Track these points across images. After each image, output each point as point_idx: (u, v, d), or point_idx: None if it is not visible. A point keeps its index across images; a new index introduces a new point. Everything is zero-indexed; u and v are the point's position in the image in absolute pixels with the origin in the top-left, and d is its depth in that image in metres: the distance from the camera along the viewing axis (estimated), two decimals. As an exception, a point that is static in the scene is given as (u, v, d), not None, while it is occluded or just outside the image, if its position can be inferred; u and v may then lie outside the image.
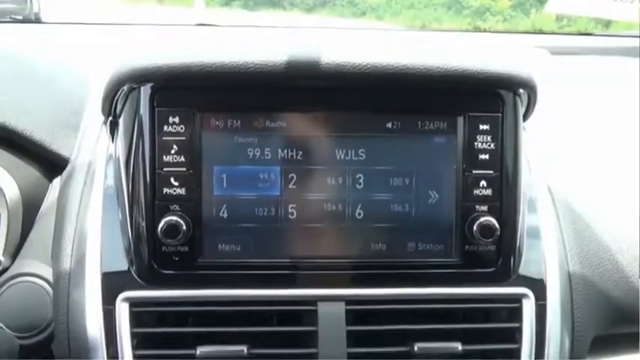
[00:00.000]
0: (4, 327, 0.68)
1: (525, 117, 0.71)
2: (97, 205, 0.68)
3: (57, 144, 0.79)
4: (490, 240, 0.63)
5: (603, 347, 0.79)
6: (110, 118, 0.71)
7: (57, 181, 0.80)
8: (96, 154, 0.73)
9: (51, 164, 0.80)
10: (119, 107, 0.67)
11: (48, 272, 0.71)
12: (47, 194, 0.79)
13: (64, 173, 0.79)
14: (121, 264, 0.64)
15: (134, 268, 0.63)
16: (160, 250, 0.62)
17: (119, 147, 0.66)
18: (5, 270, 0.73)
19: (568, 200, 0.78)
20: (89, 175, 0.72)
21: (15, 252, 0.75)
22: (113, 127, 0.71)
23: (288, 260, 0.64)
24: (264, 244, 0.64)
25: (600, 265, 0.74)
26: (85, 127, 0.81)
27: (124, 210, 0.64)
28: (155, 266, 0.62)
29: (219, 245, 0.64)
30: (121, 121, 0.66)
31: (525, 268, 0.67)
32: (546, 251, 0.69)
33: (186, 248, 0.62)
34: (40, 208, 0.78)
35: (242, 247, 0.64)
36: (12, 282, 0.71)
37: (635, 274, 0.76)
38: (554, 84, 0.96)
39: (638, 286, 0.75)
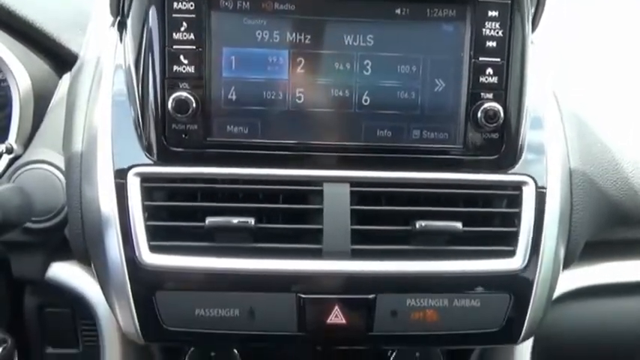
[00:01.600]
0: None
1: (535, 21, 0.71)
2: (107, 91, 0.68)
3: (66, 39, 0.80)
4: (494, 126, 0.64)
5: (592, 254, 0.82)
6: (119, 18, 0.71)
7: (66, 77, 0.81)
8: (104, 48, 0.74)
9: (61, 59, 0.81)
10: (127, 4, 0.66)
11: (60, 160, 0.73)
12: (57, 88, 0.80)
13: (74, 68, 0.79)
14: (132, 142, 0.65)
15: (145, 145, 0.64)
16: (170, 127, 0.63)
17: (129, 27, 0.66)
18: (18, 157, 0.75)
19: (573, 106, 0.78)
20: (98, 68, 0.73)
21: (27, 141, 0.77)
22: (122, 27, 0.70)
23: (294, 142, 0.65)
24: (272, 127, 0.65)
25: (601, 164, 0.76)
26: (93, 25, 0.82)
27: (134, 90, 0.65)
28: (165, 143, 0.64)
29: (228, 126, 0.65)
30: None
31: (527, 158, 0.68)
32: (548, 144, 0.70)
33: (195, 127, 0.64)
34: (50, 101, 0.79)
35: (250, 128, 0.65)
36: (25, 168, 0.73)
37: (635, 175, 0.77)
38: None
39: (636, 187, 0.76)
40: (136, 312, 0.62)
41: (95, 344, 0.81)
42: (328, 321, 0.63)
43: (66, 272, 0.78)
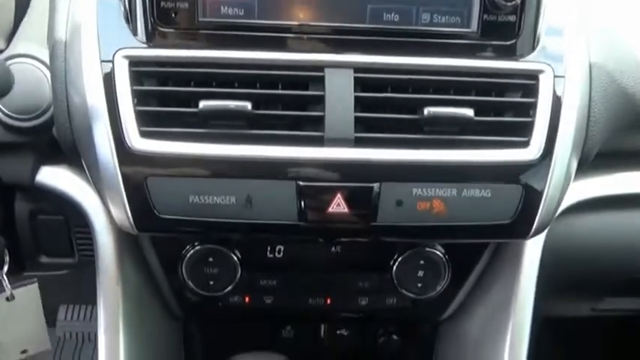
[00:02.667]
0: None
1: None
2: None
3: None
4: (512, 4, 0.59)
5: (602, 165, 0.78)
6: None
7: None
8: None
9: None
10: None
11: (45, 54, 0.68)
12: None
13: None
14: (119, 25, 0.60)
15: (132, 25, 0.59)
16: (159, 5, 0.58)
17: None
18: (0, 52, 0.71)
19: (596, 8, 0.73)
20: None
21: (9, 35, 0.72)
22: None
23: (294, 23, 0.60)
24: (269, 7, 0.60)
25: (623, 62, 0.71)
26: None
27: None
28: (154, 22, 0.59)
29: (222, 7, 0.60)
30: None
31: (545, 45, 0.63)
32: (569, 33, 0.64)
33: (187, 5, 0.59)
34: None
35: (245, 9, 0.60)
36: (8, 63, 0.68)
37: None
38: None
39: None
40: (128, 200, 0.59)
41: (91, 254, 0.79)
42: (329, 210, 0.59)
43: (57, 176, 0.74)
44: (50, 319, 1.77)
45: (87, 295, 0.81)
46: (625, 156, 0.81)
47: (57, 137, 0.67)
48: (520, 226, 0.63)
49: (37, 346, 0.81)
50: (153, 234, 0.70)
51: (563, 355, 1.73)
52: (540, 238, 0.78)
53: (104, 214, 0.73)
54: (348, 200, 0.59)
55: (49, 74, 0.67)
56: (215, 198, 0.59)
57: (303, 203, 0.59)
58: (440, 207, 0.60)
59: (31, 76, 0.69)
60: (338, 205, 0.59)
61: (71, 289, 0.98)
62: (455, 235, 0.64)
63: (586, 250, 0.85)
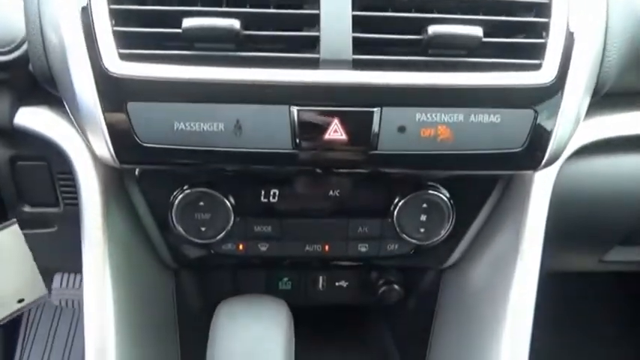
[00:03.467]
0: None
1: None
2: None
3: None
4: None
5: (613, 105, 0.74)
6: None
7: None
8: None
9: None
10: None
11: None
12: None
13: None
14: None
15: None
16: None
17: None
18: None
19: None
20: None
21: None
22: None
23: None
24: None
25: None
26: None
27: None
28: None
29: None
30: None
31: None
32: None
33: None
34: None
35: None
36: None
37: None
38: None
39: None
40: (108, 128, 0.55)
41: (76, 203, 0.75)
42: (326, 137, 0.55)
43: (36, 118, 0.70)
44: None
45: (77, 257, 0.77)
46: (634, 96, 0.76)
47: (32, 69, 0.62)
48: (531, 156, 0.59)
49: (33, 293, 0.78)
50: (136, 166, 0.65)
51: (568, 311, 1.72)
52: (548, 183, 0.74)
53: (88, 158, 0.69)
54: (346, 126, 0.55)
55: (21, 3, 0.62)
56: (202, 125, 0.54)
57: (297, 130, 0.54)
58: (445, 134, 0.56)
59: (3, 9, 0.64)
60: (335, 132, 0.55)
61: (59, 249, 0.94)
62: (461, 166, 0.59)
63: (594, 196, 0.82)
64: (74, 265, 0.80)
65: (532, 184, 0.74)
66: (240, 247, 0.75)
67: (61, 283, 1.71)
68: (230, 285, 0.86)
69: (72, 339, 1.73)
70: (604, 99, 0.73)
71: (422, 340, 0.83)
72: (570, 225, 0.84)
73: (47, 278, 1.77)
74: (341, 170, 0.63)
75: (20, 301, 0.77)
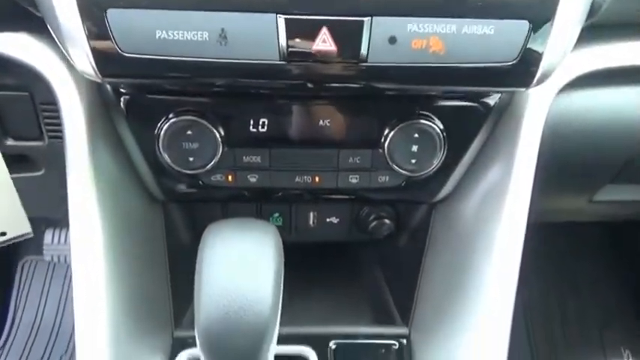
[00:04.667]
0: None
1: None
2: None
3: None
4: None
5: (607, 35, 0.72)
6: None
7: None
8: None
9: None
10: None
11: None
12: None
13: None
14: None
15: None
16: None
17: None
18: None
19: None
20: None
21: None
22: None
23: None
24: None
25: None
26: None
27: None
28: None
29: None
30: None
31: None
32: None
33: None
34: None
35: None
36: None
37: None
38: None
39: None
40: (88, 37, 0.53)
41: (61, 136, 0.73)
42: (314, 47, 0.53)
43: (16, 44, 0.67)
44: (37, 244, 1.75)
45: (65, 205, 0.75)
46: (631, 27, 0.75)
47: None
48: (523, 71, 0.57)
49: (15, 228, 0.76)
50: (119, 80, 0.64)
51: (553, 260, 1.76)
52: (540, 116, 0.73)
53: (72, 86, 0.67)
54: (335, 36, 0.53)
55: None
56: (185, 33, 0.52)
57: (284, 39, 0.53)
58: (437, 45, 0.54)
59: None
60: (324, 42, 0.53)
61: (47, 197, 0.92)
62: (453, 80, 0.58)
63: (586, 130, 0.81)
64: (63, 214, 0.80)
65: (524, 117, 0.73)
66: (230, 178, 0.74)
67: (52, 240, 1.71)
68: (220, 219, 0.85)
69: (66, 294, 1.74)
70: (600, 30, 0.72)
71: (412, 276, 0.84)
72: (562, 161, 0.83)
73: (37, 234, 1.77)
74: (332, 85, 0.61)
75: (2, 234, 0.75)
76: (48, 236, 1.71)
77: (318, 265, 0.94)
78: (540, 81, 0.59)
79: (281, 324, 0.54)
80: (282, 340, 0.72)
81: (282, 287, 0.53)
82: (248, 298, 0.49)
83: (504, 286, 0.73)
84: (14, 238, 0.75)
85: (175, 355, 0.76)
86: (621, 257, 1.82)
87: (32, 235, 0.74)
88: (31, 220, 1.78)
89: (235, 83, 0.59)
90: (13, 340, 1.70)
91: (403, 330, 0.81)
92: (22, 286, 1.78)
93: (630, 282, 1.82)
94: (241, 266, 0.50)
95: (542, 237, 1.70)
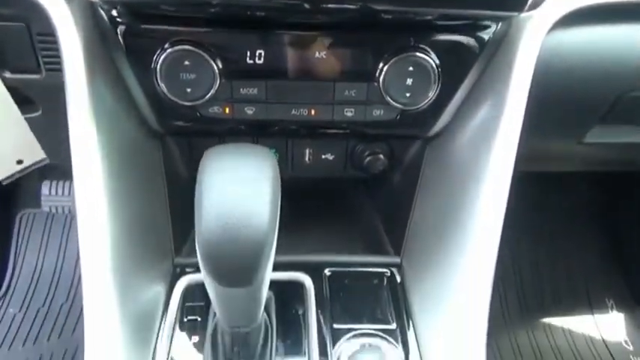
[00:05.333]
0: None
1: None
2: None
3: None
4: None
5: None
6: None
7: None
8: None
9: None
10: None
11: None
12: None
13: None
14: None
15: None
16: None
17: None
18: None
19: None
20: None
21: None
22: None
23: None
24: None
25: None
26: None
27: None
28: None
29: None
30: None
31: None
32: None
33: None
34: None
35: None
36: None
37: None
38: None
39: None
40: None
41: (59, 68, 0.74)
42: None
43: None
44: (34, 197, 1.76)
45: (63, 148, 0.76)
46: None
47: None
48: None
49: (31, 155, 0.77)
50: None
51: (539, 210, 1.80)
52: (532, 52, 0.74)
53: (69, 15, 0.67)
54: None
55: None
56: None
57: None
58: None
59: None
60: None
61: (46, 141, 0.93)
62: (447, 3, 0.59)
63: (577, 66, 0.82)
64: (61, 158, 0.80)
65: (517, 53, 0.74)
66: (227, 110, 0.75)
67: (49, 191, 1.72)
68: None
69: (65, 245, 1.76)
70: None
71: (404, 210, 0.86)
72: (553, 99, 0.85)
73: (34, 186, 1.78)
74: (329, 5, 0.61)
75: (19, 162, 0.76)
76: (45, 188, 1.72)
77: (314, 202, 0.96)
78: (532, 6, 0.60)
79: (278, 253, 0.55)
80: (279, 267, 0.75)
81: (279, 206, 0.54)
82: (246, 211, 0.50)
83: (492, 219, 0.75)
84: (31, 165, 0.77)
85: (176, 282, 0.78)
86: (607, 211, 1.87)
87: (48, 161, 0.75)
88: (29, 172, 1.79)
89: (230, 2, 0.59)
90: (14, 289, 1.73)
91: (395, 259, 0.85)
92: (20, 238, 1.81)
93: (615, 235, 1.87)
94: (240, 182, 0.51)
95: (532, 191, 1.74)
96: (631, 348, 1.75)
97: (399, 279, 0.82)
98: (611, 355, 1.72)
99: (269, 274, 0.57)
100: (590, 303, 1.86)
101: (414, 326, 0.75)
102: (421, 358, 0.71)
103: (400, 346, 0.72)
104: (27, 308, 1.70)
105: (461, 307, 0.70)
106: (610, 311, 1.85)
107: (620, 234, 1.87)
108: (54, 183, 1.72)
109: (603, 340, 1.76)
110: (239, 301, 0.58)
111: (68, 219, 1.79)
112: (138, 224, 0.77)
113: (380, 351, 0.70)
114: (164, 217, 0.82)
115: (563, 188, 1.84)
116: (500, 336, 1.73)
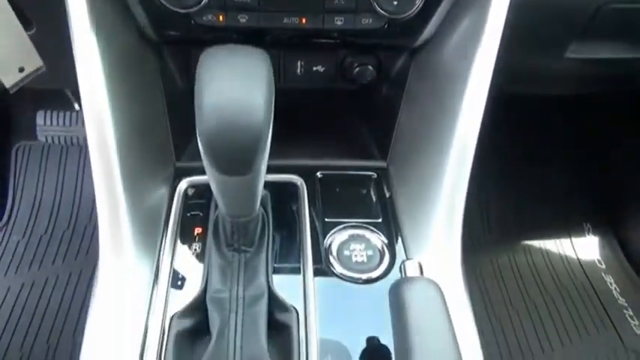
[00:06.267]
0: None
1: None
2: None
3: None
4: None
5: None
6: None
7: None
8: None
9: None
10: None
11: None
12: None
13: None
14: None
15: None
16: None
17: None
18: None
19: None
20: None
21: None
22: None
23: None
24: None
25: None
26: None
27: None
28: None
29: None
30: None
31: None
32: None
33: None
34: None
35: None
36: None
37: None
38: None
39: None
40: None
41: None
42: None
43: None
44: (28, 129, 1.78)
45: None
46: None
47: None
48: None
49: (31, 63, 0.79)
50: None
51: (527, 133, 1.86)
52: None
53: None
54: None
55: None
56: None
57: None
58: None
59: None
60: None
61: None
62: None
63: None
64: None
65: None
66: (221, 18, 0.77)
67: (44, 121, 1.74)
68: None
69: (62, 174, 1.80)
70: None
71: (390, 118, 0.91)
72: (532, 11, 0.88)
73: (28, 117, 1.79)
74: None
75: (21, 70, 0.79)
76: (40, 118, 1.74)
77: (307, 114, 1.00)
78: None
79: (273, 157, 0.59)
80: (274, 170, 0.80)
81: (273, 101, 0.58)
82: (244, 104, 0.52)
83: (471, 119, 0.79)
84: (32, 72, 0.79)
85: (178, 183, 0.84)
86: (588, 136, 1.93)
87: (44, 69, 0.77)
88: (22, 104, 1.81)
89: None
90: (16, 218, 1.78)
91: (382, 163, 0.90)
92: (18, 170, 1.84)
93: (595, 161, 1.94)
94: (238, 76, 0.54)
95: (515, 115, 1.79)
96: (603, 266, 1.86)
97: (385, 180, 0.88)
98: (585, 272, 1.84)
99: (264, 166, 0.61)
100: (568, 227, 1.95)
101: (398, 219, 0.82)
102: (404, 244, 0.78)
103: (384, 236, 0.79)
104: (29, 236, 1.75)
105: (441, 198, 0.76)
106: (586, 234, 1.95)
107: (601, 160, 1.94)
108: (48, 113, 1.73)
109: (578, 260, 1.87)
110: (238, 191, 0.63)
111: (64, 149, 1.82)
112: (140, 130, 0.81)
113: (366, 240, 0.77)
114: (164, 125, 0.86)
115: (545, 112, 1.89)
116: (482, 256, 1.83)
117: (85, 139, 0.74)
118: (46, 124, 1.74)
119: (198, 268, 0.72)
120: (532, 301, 1.72)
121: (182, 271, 0.73)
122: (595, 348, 1.62)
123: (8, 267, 1.67)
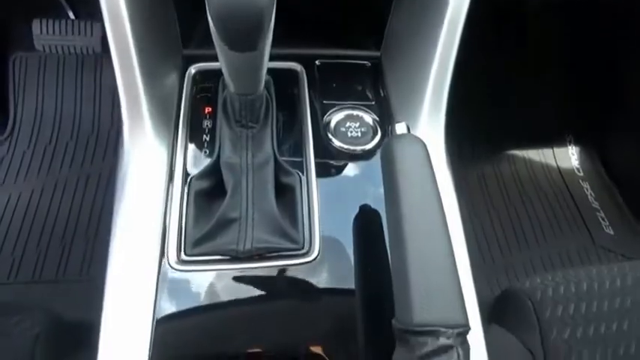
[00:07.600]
0: None
1: None
2: None
3: None
4: None
5: None
6: None
7: None
8: None
9: None
10: None
11: None
12: None
13: None
14: None
15: None
16: None
17: None
18: None
19: None
20: None
21: None
22: None
23: None
24: None
25: None
26: None
27: None
28: None
29: None
30: None
31: None
32: None
33: None
34: None
35: None
36: None
37: None
38: None
39: None
40: None
41: None
42: None
43: None
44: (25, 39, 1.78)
45: None
46: None
47: None
48: None
49: None
50: None
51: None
52: None
53: None
54: None
55: None
56: None
57: None
58: None
59: None
60: None
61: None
62: None
63: None
64: None
65: None
66: None
67: (41, 30, 1.74)
68: None
69: (62, 84, 1.83)
70: None
71: (384, 15, 0.96)
72: None
73: (24, 27, 1.79)
74: None
75: None
76: (36, 27, 1.73)
77: (307, 10, 1.04)
78: None
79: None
80: (276, 58, 0.86)
81: None
82: None
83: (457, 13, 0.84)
84: None
85: (186, 69, 0.90)
86: (572, 50, 1.97)
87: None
88: (16, 15, 1.79)
89: None
90: (19, 130, 1.82)
91: (376, 53, 0.97)
92: (17, 82, 1.85)
93: (579, 75, 1.99)
94: None
95: (501, 30, 1.81)
96: (581, 174, 1.98)
97: (378, 68, 0.95)
98: (563, 179, 1.95)
99: (268, 46, 0.67)
100: (551, 138, 2.04)
101: (389, 101, 0.90)
102: (392, 121, 0.86)
103: (377, 115, 0.87)
104: (34, 146, 1.80)
105: (428, 82, 0.84)
106: (568, 145, 2.05)
107: (584, 74, 1.99)
108: (44, 21, 1.73)
109: (558, 168, 1.98)
110: (246, 67, 0.70)
111: (61, 59, 1.84)
112: (150, 19, 0.85)
113: (361, 118, 0.85)
114: (171, 12, 0.91)
115: (527, 27, 1.92)
116: (468, 169, 1.93)
117: (82, 49, 0.78)
118: (42, 33, 1.74)
119: (211, 140, 0.80)
120: (512, 205, 1.84)
121: (196, 144, 0.81)
122: (567, 245, 1.77)
123: (17, 175, 1.74)
